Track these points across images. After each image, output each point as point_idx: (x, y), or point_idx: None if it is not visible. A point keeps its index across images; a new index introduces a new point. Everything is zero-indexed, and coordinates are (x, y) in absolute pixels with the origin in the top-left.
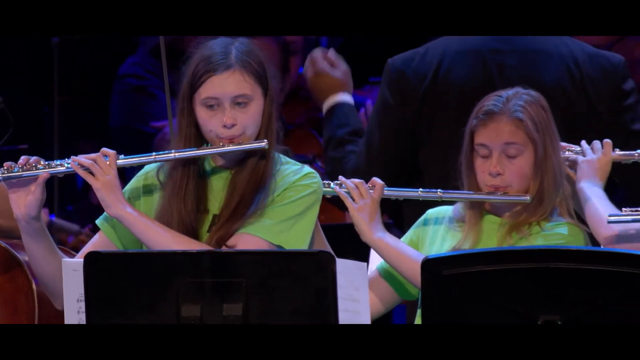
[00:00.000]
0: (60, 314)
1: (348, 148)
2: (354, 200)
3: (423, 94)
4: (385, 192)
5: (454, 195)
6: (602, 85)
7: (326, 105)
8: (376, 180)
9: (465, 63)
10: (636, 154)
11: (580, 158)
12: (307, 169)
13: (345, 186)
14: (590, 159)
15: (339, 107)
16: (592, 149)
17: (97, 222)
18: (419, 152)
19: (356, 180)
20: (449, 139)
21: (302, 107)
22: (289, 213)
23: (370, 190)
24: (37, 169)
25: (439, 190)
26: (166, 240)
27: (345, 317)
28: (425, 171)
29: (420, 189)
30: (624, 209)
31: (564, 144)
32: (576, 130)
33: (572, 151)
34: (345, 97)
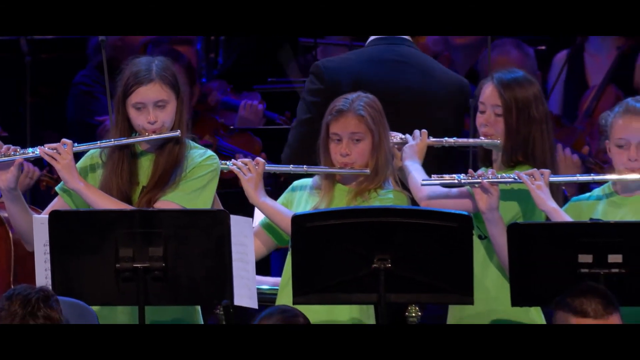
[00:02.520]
0: (31, 254)
1: None
2: (244, 173)
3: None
4: (266, 168)
5: (316, 169)
6: (456, 97)
7: None
8: (259, 159)
9: (375, 70)
10: (444, 141)
11: (409, 141)
12: (209, 152)
13: (237, 165)
14: (412, 144)
15: None
16: (413, 136)
17: (57, 189)
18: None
19: (245, 160)
20: None
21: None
22: (196, 185)
23: (256, 166)
24: (14, 155)
25: (304, 166)
26: (108, 203)
27: (237, 257)
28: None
29: (292, 165)
30: (432, 175)
31: (392, 132)
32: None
33: (396, 138)
34: None
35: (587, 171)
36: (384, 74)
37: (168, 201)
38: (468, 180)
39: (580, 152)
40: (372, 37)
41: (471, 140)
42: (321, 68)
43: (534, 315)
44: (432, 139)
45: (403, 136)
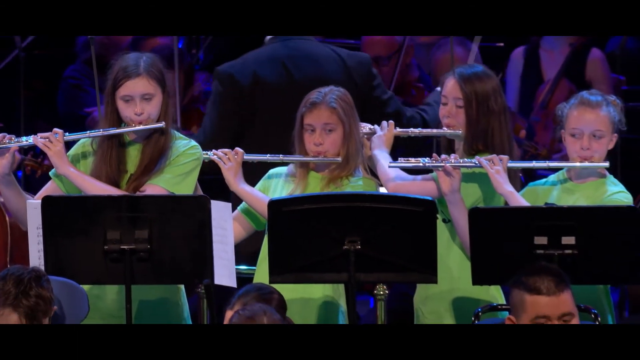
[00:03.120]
0: (25, 237)
1: None
2: (224, 162)
3: (247, 90)
4: (245, 157)
5: (291, 158)
6: (359, 72)
7: None
8: (238, 149)
9: (270, 68)
10: (409, 131)
11: (377, 131)
12: (192, 142)
13: (218, 154)
14: (380, 134)
15: None
16: (381, 127)
17: (50, 174)
18: (245, 132)
19: (225, 150)
20: (269, 121)
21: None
22: (181, 171)
23: (235, 156)
24: (10, 143)
25: (280, 155)
26: (97, 189)
27: (217, 239)
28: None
29: (268, 154)
30: (399, 158)
31: (362, 123)
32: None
33: (365, 128)
34: None
35: (524, 154)
36: (279, 70)
37: (155, 185)
38: (432, 164)
39: (517, 136)
40: (268, 37)
41: (435, 130)
42: (220, 74)
43: (494, 293)
44: (398, 129)
45: (372, 127)
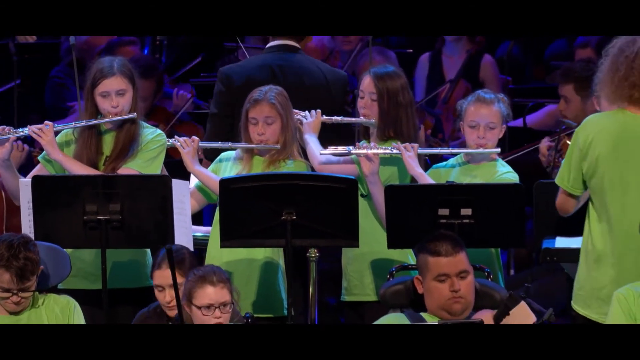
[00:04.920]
0: (18, 210)
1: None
2: (183, 147)
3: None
4: (200, 144)
5: (238, 145)
6: (336, 87)
7: None
8: (194, 137)
9: (261, 73)
10: (333, 119)
11: (304, 120)
12: (158, 130)
13: (179, 141)
14: (309, 122)
15: None
16: (310, 114)
17: (39, 158)
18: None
19: (184, 137)
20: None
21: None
22: (149, 155)
23: (192, 143)
24: (8, 133)
25: (230, 142)
26: (80, 170)
27: (177, 211)
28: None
29: (219, 142)
30: (329, 147)
31: (295, 110)
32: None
33: (298, 115)
34: None
35: (430, 145)
36: (269, 75)
37: (129, 168)
38: (356, 151)
39: (425, 133)
40: (267, 45)
41: (354, 119)
42: (221, 74)
43: (406, 255)
44: (324, 117)
45: (303, 114)
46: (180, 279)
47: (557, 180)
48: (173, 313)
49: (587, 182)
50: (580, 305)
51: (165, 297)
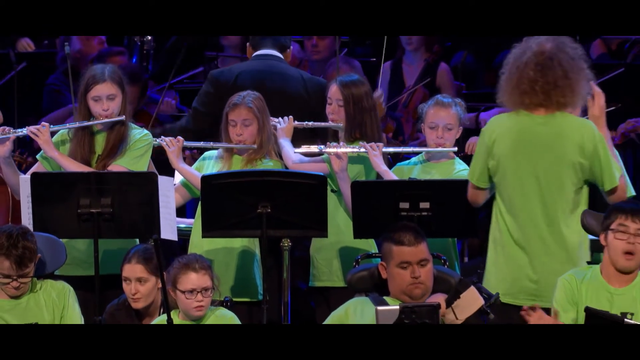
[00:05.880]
0: (19, 203)
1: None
2: (169, 147)
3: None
4: (184, 144)
5: (219, 145)
6: (316, 94)
7: None
8: (179, 137)
9: (249, 76)
10: (304, 124)
11: (278, 126)
12: (145, 131)
13: (165, 140)
14: (283, 127)
15: None
16: (283, 120)
17: (38, 157)
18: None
19: (170, 137)
20: None
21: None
22: (137, 154)
23: (177, 142)
24: (9, 133)
25: (211, 142)
26: (74, 167)
27: (163, 205)
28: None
29: (202, 142)
30: (302, 146)
31: (272, 117)
32: (311, 114)
33: (273, 121)
34: None
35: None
36: (254, 79)
37: (119, 165)
38: (328, 149)
39: (387, 135)
40: (254, 54)
41: (323, 123)
42: (211, 76)
43: (370, 244)
44: (296, 122)
45: (277, 120)
46: (147, 275)
47: (467, 175)
48: (137, 305)
49: (492, 177)
50: (509, 299)
51: (131, 290)
